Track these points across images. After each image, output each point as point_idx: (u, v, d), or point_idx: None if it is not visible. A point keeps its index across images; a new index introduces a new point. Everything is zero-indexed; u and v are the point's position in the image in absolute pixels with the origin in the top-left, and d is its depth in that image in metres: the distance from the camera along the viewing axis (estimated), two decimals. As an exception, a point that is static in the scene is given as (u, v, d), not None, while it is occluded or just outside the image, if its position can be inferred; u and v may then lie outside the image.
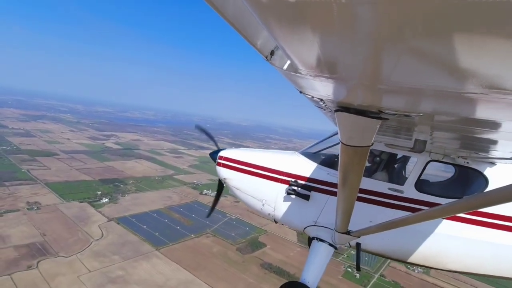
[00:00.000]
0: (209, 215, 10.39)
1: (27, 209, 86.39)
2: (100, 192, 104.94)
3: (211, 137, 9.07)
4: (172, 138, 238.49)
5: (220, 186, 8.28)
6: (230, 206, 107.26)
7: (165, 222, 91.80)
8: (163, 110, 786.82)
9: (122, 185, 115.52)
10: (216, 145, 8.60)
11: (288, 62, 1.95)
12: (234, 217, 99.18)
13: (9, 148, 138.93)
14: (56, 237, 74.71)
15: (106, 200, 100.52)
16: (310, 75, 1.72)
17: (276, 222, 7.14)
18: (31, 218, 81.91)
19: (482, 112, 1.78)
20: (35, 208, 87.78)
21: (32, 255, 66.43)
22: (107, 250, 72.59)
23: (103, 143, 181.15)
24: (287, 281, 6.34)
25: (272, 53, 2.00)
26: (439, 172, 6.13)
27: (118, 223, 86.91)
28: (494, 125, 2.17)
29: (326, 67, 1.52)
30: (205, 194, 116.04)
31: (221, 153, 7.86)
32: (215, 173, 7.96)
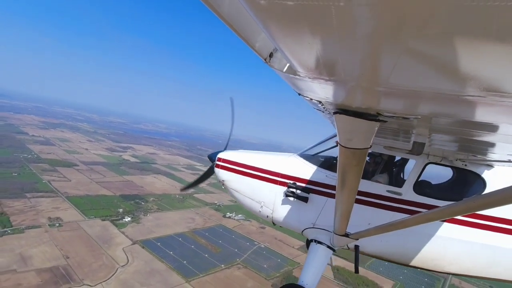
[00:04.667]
0: (183, 189, 10.25)
1: (49, 225, 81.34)
2: (121, 210, 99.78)
3: (232, 123, 9.18)
4: (187, 153, 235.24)
5: (208, 172, 8.33)
6: (256, 232, 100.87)
7: (191, 248, 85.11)
8: (174, 123, 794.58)
9: (143, 203, 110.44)
10: (227, 143, 8.87)
11: (287, 64, 1.95)
12: (263, 246, 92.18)
13: (29, 156, 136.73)
14: (80, 261, 68.79)
15: (129, 219, 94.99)
16: (309, 78, 1.71)
17: (274, 224, 7.10)
18: (53, 237, 76.54)
19: (480, 114, 1.77)
20: (57, 224, 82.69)
21: (56, 281, 60.37)
22: (134, 279, 66.00)
23: (121, 155, 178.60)
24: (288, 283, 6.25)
25: (271, 55, 2.02)
26: (437, 175, 5.85)
27: (143, 247, 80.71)
28: (492, 128, 2.17)
29: (325, 69, 1.52)
30: (229, 217, 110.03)
31: (220, 155, 7.74)
32: (235, 194, 7.42)
